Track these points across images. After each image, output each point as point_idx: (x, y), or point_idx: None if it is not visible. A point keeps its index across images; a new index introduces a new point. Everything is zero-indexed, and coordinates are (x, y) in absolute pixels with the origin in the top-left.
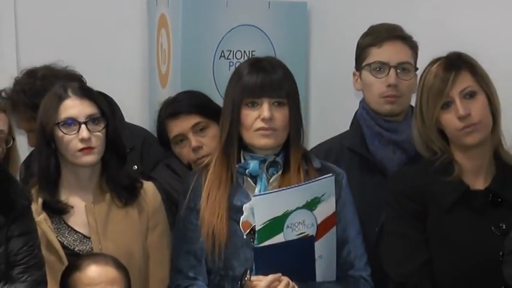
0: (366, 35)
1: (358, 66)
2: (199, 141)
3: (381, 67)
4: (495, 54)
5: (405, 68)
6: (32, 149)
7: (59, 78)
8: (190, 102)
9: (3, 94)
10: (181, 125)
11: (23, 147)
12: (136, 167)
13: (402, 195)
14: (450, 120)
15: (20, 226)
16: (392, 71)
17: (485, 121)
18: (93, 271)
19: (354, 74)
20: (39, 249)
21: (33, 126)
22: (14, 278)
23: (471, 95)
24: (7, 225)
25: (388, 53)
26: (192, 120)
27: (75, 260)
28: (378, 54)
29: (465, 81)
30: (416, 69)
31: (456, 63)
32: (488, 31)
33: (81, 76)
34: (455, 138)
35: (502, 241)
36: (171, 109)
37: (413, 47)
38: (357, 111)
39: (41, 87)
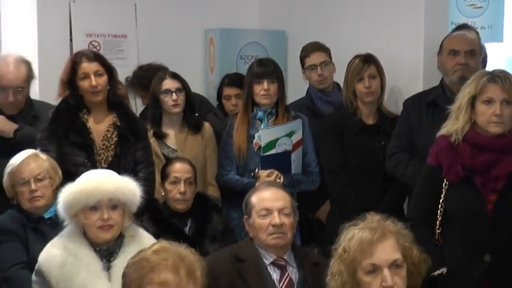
0: (301, 51)
1: (303, 68)
2: (238, 102)
3: (312, 67)
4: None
5: (325, 63)
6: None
7: (155, 69)
8: (240, 81)
9: (128, 79)
10: (231, 91)
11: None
12: (196, 114)
13: (330, 124)
14: (360, 87)
15: (141, 144)
16: (319, 68)
17: (377, 90)
18: (177, 165)
19: (303, 72)
20: (151, 156)
21: (142, 94)
22: (137, 171)
23: (374, 77)
24: (134, 143)
25: (313, 59)
26: (237, 91)
27: (168, 161)
28: (309, 61)
29: (372, 70)
30: (331, 61)
31: (369, 59)
32: (379, 43)
33: (168, 68)
34: (361, 96)
35: (381, 150)
36: (228, 81)
37: (327, 51)
38: (308, 87)
39: (145, 74)
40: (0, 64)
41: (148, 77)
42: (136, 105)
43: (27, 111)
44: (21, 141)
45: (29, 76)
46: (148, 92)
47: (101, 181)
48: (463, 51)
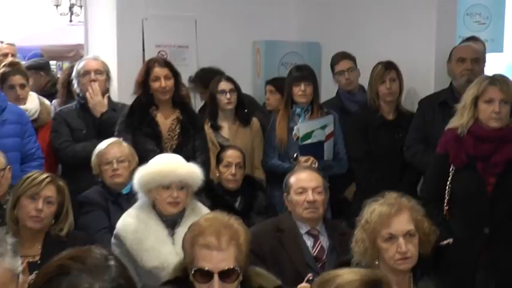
0: (331, 59)
1: (333, 73)
2: (269, 97)
3: (341, 72)
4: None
5: (351, 69)
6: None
7: (214, 73)
8: (277, 82)
9: (191, 77)
10: (268, 87)
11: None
12: (246, 110)
13: (356, 120)
14: (382, 89)
15: (199, 135)
16: (346, 73)
17: (396, 91)
18: (230, 151)
19: (333, 77)
20: (207, 145)
21: (201, 91)
22: (196, 157)
23: (394, 80)
24: (193, 134)
25: (341, 65)
26: (271, 88)
27: (222, 148)
28: (337, 67)
29: (392, 74)
30: (356, 67)
31: (390, 65)
32: (398, 51)
33: (224, 72)
34: (382, 96)
35: (399, 141)
36: (271, 82)
37: (352, 59)
38: (338, 89)
39: (205, 75)
40: (84, 60)
41: (207, 78)
42: (196, 100)
43: (107, 103)
44: (105, 122)
45: (107, 70)
46: (207, 89)
47: (175, 166)
48: (469, 58)
